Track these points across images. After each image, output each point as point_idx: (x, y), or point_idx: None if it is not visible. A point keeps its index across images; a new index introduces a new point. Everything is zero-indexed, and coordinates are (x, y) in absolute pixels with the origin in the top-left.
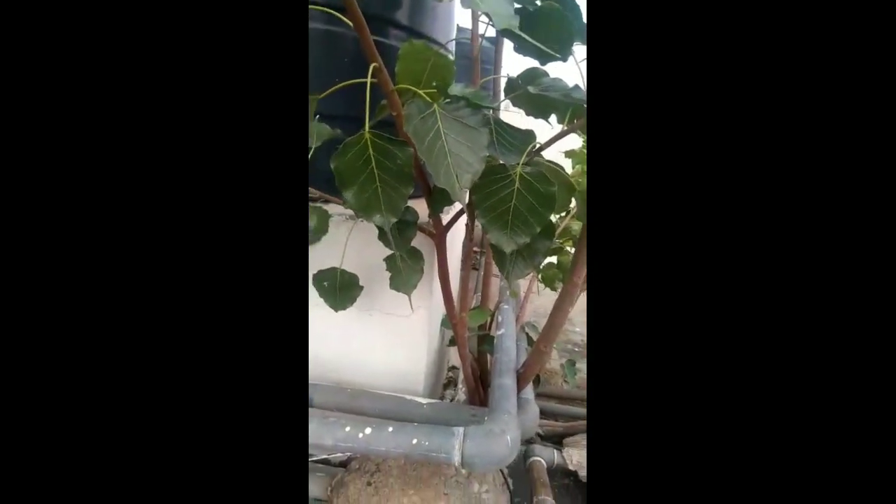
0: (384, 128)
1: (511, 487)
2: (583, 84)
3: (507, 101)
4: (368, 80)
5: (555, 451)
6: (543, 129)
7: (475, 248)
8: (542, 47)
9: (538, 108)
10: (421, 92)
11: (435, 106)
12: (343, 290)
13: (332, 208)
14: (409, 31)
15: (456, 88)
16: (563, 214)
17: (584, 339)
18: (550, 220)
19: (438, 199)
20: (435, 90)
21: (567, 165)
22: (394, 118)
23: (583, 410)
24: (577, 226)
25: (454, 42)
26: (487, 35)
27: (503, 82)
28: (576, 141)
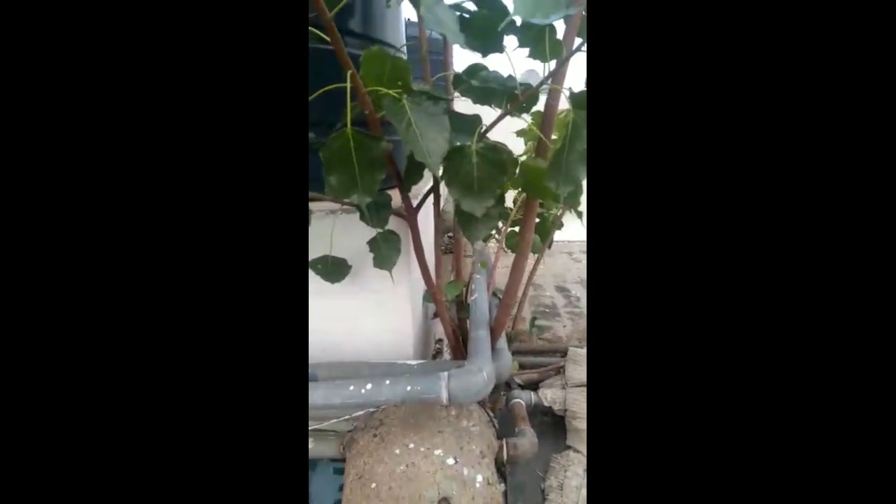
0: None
1: (497, 426)
2: (514, 73)
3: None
4: (348, 84)
5: (532, 393)
6: (488, 115)
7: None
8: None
9: (481, 96)
10: (391, 92)
11: (403, 100)
12: (335, 269)
13: (314, 206)
14: (364, 38)
15: (416, 86)
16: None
17: (553, 300)
18: (502, 190)
19: (408, 177)
20: (400, 88)
21: (520, 143)
22: (365, 117)
23: (552, 359)
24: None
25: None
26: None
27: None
28: (522, 122)
